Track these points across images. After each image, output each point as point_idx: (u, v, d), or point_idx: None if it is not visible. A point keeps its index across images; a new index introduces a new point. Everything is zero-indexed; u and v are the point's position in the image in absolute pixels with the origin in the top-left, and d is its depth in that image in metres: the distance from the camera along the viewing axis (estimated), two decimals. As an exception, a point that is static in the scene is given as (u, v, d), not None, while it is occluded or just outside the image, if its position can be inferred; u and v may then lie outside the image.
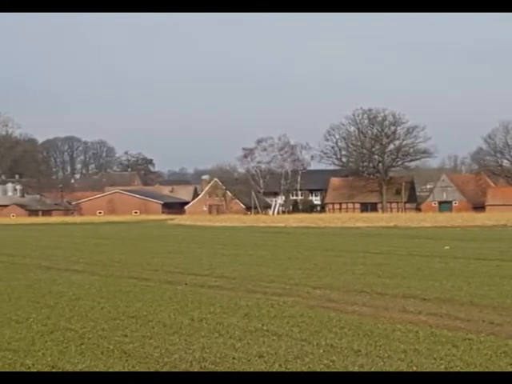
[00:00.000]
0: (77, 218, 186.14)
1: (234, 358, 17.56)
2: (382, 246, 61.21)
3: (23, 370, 16.84)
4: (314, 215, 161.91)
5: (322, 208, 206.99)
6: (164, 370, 16.62)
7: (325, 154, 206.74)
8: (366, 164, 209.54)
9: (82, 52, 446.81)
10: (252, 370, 16.45)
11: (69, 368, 16.86)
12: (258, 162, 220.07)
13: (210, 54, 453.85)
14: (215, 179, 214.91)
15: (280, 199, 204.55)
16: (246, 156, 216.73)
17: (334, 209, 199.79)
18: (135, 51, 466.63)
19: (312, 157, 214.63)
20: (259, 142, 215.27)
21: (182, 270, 41.54)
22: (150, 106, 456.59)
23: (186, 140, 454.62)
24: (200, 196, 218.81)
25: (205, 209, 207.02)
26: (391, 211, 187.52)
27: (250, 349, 18.56)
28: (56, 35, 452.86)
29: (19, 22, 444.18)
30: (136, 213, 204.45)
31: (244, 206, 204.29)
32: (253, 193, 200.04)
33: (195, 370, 16.49)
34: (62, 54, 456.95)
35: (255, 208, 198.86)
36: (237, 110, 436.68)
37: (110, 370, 16.62)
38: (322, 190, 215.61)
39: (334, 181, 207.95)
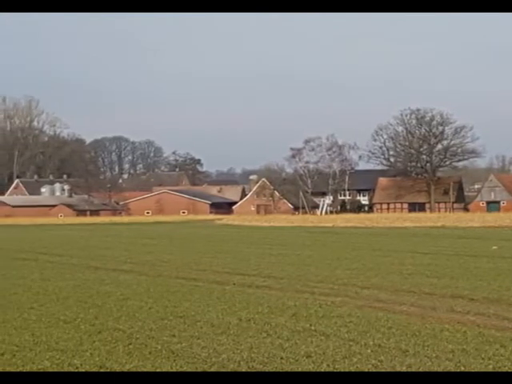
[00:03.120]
0: (124, 218, 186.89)
1: (281, 358, 17.55)
2: (430, 246, 60.96)
3: (71, 369, 16.88)
4: (362, 215, 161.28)
5: (370, 208, 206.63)
6: (212, 370, 16.62)
7: (373, 153, 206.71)
8: (413, 164, 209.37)
9: (130, 52, 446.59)
10: (300, 369, 16.45)
11: (116, 368, 16.88)
12: (306, 162, 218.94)
13: (258, 53, 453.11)
14: (263, 179, 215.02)
15: (328, 199, 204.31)
16: (293, 156, 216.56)
17: (381, 209, 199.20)
18: (183, 51, 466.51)
19: (360, 157, 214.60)
20: (307, 142, 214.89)
21: (229, 270, 41.54)
22: (198, 106, 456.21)
23: (234, 140, 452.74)
24: (248, 196, 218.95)
25: (253, 209, 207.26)
26: (439, 211, 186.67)
27: (297, 349, 18.54)
28: (104, 36, 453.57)
29: (68, 23, 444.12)
30: (184, 213, 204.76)
31: (292, 206, 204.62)
32: (301, 193, 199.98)
33: (243, 370, 16.47)
34: (111, 55, 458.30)
35: (303, 208, 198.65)
36: (285, 110, 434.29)
37: (158, 370, 16.65)
38: (369, 190, 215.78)
39: (382, 181, 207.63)
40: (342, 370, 16.18)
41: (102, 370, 16.72)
